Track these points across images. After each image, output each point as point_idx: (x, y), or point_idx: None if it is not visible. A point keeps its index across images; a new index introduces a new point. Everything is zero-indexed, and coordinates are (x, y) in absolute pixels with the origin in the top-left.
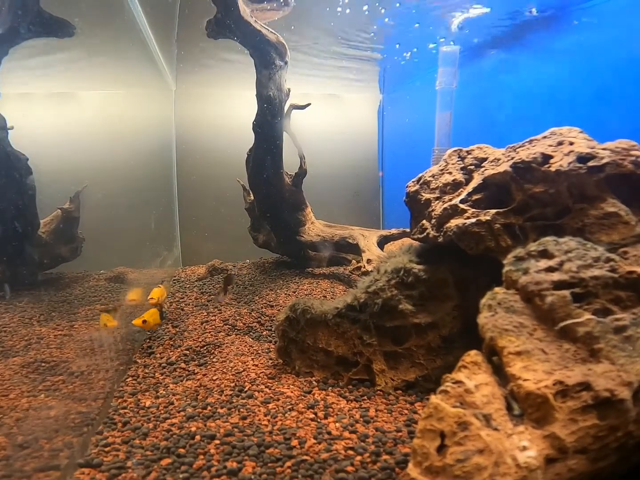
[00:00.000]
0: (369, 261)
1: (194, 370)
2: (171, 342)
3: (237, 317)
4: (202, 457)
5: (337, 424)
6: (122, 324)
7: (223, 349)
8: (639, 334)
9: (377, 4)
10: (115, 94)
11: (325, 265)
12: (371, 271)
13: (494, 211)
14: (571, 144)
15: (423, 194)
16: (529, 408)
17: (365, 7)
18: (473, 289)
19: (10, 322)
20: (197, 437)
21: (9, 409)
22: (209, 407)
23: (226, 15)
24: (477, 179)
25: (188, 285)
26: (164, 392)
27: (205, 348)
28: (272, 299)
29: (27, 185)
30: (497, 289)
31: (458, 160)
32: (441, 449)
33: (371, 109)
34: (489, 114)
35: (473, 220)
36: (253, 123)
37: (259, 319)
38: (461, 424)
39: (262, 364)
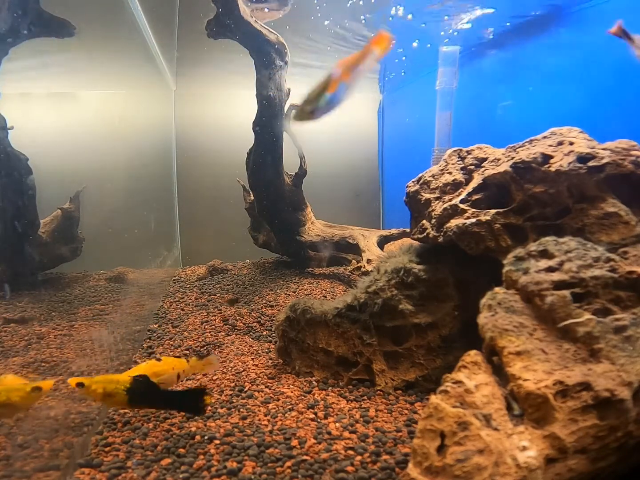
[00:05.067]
0: (369, 261)
1: None
2: (171, 342)
3: (237, 317)
4: (202, 457)
5: (337, 424)
6: (121, 324)
7: (223, 349)
8: (639, 334)
9: (378, 4)
10: (115, 94)
11: (325, 265)
12: (371, 271)
13: (494, 211)
14: (571, 144)
15: (423, 194)
16: (529, 408)
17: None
18: (473, 289)
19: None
20: (197, 437)
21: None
22: (209, 407)
23: (226, 16)
24: (477, 179)
25: (188, 285)
26: None
27: (205, 348)
28: (272, 299)
29: (27, 185)
30: (497, 289)
31: (458, 160)
32: (441, 449)
33: (371, 109)
34: (489, 114)
35: (473, 220)
36: (253, 123)
37: (259, 319)
38: (461, 424)
39: (262, 364)
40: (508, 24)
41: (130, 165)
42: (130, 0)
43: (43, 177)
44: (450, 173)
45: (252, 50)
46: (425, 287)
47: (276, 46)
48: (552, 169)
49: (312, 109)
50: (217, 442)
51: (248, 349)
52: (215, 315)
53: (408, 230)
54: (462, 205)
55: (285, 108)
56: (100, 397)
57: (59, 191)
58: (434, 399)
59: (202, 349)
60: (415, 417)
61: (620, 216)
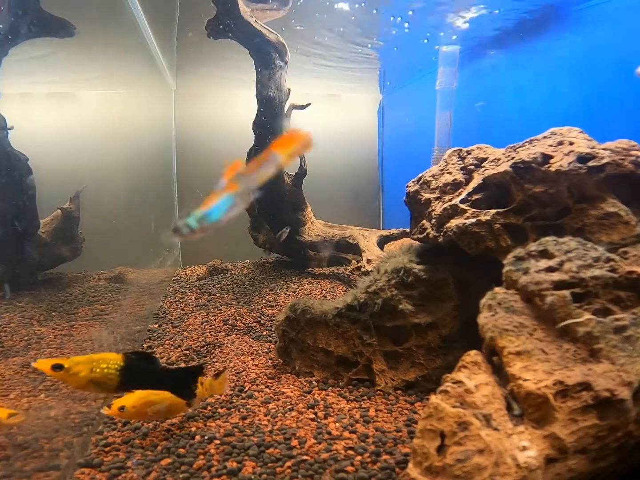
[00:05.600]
0: (369, 261)
1: None
2: (171, 342)
3: (237, 317)
4: (202, 457)
5: (337, 424)
6: (121, 324)
7: (223, 349)
8: (639, 334)
9: (378, 5)
10: (115, 94)
11: (325, 265)
12: (371, 271)
13: (494, 211)
14: (571, 144)
15: (423, 194)
16: (529, 408)
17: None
18: (473, 289)
19: (10, 322)
20: (197, 437)
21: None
22: (209, 407)
23: (226, 15)
24: (477, 179)
25: (188, 285)
26: None
27: (205, 348)
28: (272, 299)
29: (27, 185)
30: (497, 289)
31: (458, 160)
32: (441, 449)
33: (371, 109)
34: (489, 114)
35: (473, 220)
36: (253, 123)
37: (259, 319)
38: (461, 424)
39: (262, 364)
40: (508, 24)
41: (130, 165)
42: (130, 0)
43: (43, 177)
44: (450, 173)
45: (252, 50)
46: (425, 287)
47: (276, 46)
48: (552, 169)
49: (176, 227)
50: (217, 442)
51: (248, 349)
52: (215, 315)
53: (408, 230)
54: (462, 205)
55: (285, 108)
56: (84, 383)
57: (59, 191)
58: (434, 399)
59: (202, 349)
60: (415, 417)
61: (620, 216)
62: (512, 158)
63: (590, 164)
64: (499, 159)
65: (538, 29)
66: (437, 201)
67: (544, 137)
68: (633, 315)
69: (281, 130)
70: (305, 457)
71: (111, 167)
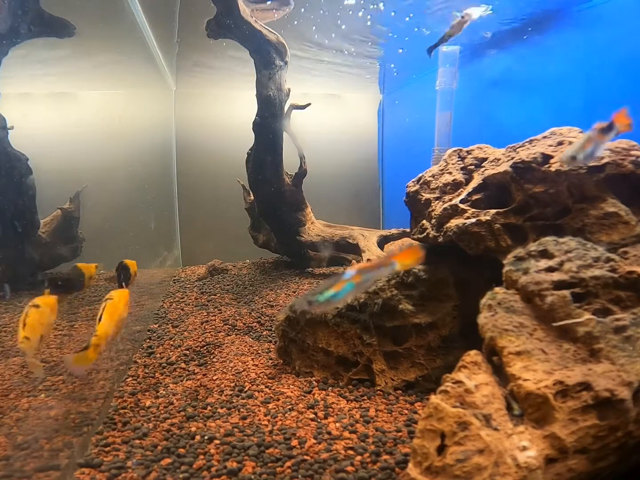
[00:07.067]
0: (368, 261)
1: (194, 370)
2: (171, 342)
3: (237, 317)
4: (202, 457)
5: (337, 424)
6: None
7: (223, 349)
8: (639, 334)
9: (378, 4)
10: (115, 94)
11: (325, 265)
12: None
13: (494, 211)
14: (571, 144)
15: (423, 194)
16: (529, 408)
17: (371, 7)
18: (473, 289)
19: (10, 322)
20: (197, 437)
21: (9, 409)
22: (209, 407)
23: (226, 15)
24: (477, 179)
25: (188, 285)
26: (164, 392)
27: (205, 348)
28: (272, 299)
29: (27, 185)
30: (497, 289)
31: (458, 160)
32: (441, 449)
33: (371, 109)
34: (489, 114)
35: (473, 220)
36: (253, 123)
37: (259, 319)
38: (461, 424)
39: (262, 364)
40: (508, 24)
41: (130, 165)
42: (130, 1)
43: (43, 177)
44: (450, 173)
45: (252, 50)
46: (425, 287)
47: (276, 46)
48: (552, 169)
49: (310, 301)
50: (217, 442)
51: (248, 349)
52: (215, 315)
53: (408, 230)
54: (462, 205)
55: (285, 108)
56: None
57: (59, 191)
58: (434, 399)
59: (202, 349)
60: (415, 417)
61: (620, 216)
62: (512, 158)
63: (590, 164)
64: (499, 159)
65: (538, 29)
66: (437, 201)
67: (544, 137)
68: (633, 315)
69: (281, 130)
70: (305, 457)
71: (111, 167)
